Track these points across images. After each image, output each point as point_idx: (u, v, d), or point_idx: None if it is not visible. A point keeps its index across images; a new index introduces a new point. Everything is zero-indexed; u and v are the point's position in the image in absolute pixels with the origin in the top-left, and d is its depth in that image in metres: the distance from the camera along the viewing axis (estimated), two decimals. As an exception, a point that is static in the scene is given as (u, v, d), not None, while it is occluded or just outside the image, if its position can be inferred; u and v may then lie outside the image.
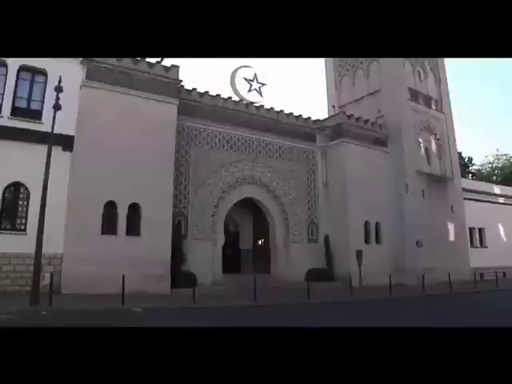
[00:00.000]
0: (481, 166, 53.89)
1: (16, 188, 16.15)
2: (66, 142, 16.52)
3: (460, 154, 43.07)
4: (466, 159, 52.08)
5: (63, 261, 16.09)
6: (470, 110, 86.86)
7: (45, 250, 13.30)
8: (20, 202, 16.18)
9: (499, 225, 33.92)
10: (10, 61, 16.28)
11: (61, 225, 15.91)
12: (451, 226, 28.76)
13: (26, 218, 15.86)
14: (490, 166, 53.10)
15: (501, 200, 35.30)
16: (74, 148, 17.01)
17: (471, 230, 31.66)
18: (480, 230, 32.62)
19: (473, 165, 53.60)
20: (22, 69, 16.75)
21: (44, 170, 13.40)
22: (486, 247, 32.30)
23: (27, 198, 16.05)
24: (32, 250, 12.97)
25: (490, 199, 33.99)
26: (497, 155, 52.65)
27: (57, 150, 14.92)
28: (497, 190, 36.20)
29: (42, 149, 14.02)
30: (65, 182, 16.30)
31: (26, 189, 16.07)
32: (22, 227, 15.84)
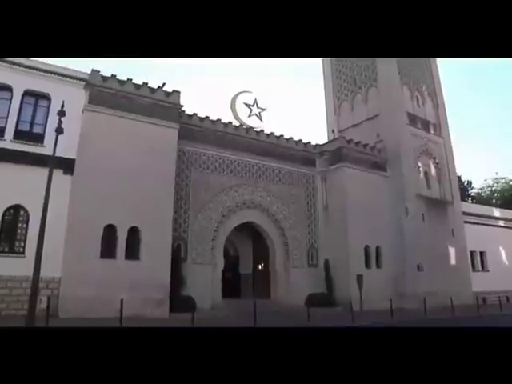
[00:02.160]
0: (480, 189, 54.08)
1: (16, 211, 16.17)
2: (67, 166, 16.66)
3: (459, 177, 43.27)
4: (466, 183, 52.34)
5: (61, 284, 15.95)
6: (469, 134, 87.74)
7: (43, 273, 13.13)
8: (19, 225, 16.18)
9: (500, 248, 33.74)
10: (15, 85, 16.72)
11: (60, 248, 15.86)
12: (452, 250, 28.62)
13: (25, 241, 15.82)
14: (489, 189, 53.30)
15: (501, 223, 35.22)
16: (75, 171, 17.11)
17: (472, 253, 31.46)
18: (481, 253, 32.42)
19: (472, 188, 53.82)
20: (26, 93, 17.14)
21: (44, 193, 13.42)
22: (488, 271, 32.04)
23: (26, 221, 16.05)
24: (30, 272, 12.82)
25: (490, 222, 33.93)
26: (496, 178, 52.93)
27: (58, 174, 14.95)
28: (497, 213, 36.16)
29: (42, 172, 14.04)
30: (65, 206, 16.33)
31: (26, 211, 16.09)
32: (21, 250, 15.78)
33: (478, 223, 32.35)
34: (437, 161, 30.08)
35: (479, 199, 50.70)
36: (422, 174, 28.91)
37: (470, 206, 35.50)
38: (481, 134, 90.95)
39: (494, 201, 50.48)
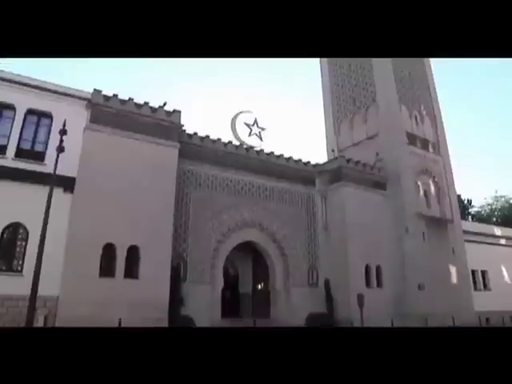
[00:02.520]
0: (480, 207, 54.18)
1: (15, 229, 16.16)
2: (68, 184, 16.73)
3: (459, 196, 43.35)
4: (466, 201, 52.45)
5: (59, 303, 15.79)
6: (468, 152, 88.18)
7: (41, 291, 13.05)
8: (18, 243, 16.15)
9: (502, 267, 33.50)
10: (18, 104, 17.04)
11: (58, 266, 15.76)
12: (453, 269, 28.38)
13: (23, 259, 15.75)
14: (489, 207, 53.40)
15: (502, 242, 35.05)
16: (75, 190, 17.16)
17: (474, 272, 31.21)
18: (483, 272, 32.19)
19: (472, 207, 53.93)
20: (29, 112, 17.44)
21: (44, 211, 13.43)
22: (490, 290, 31.75)
23: (25, 239, 16.01)
24: (27, 291, 12.73)
25: (491, 241, 33.76)
26: (495, 197, 53.08)
27: (58, 192, 15.01)
28: (497, 231, 36.02)
29: (43, 190, 14.11)
30: (64, 224, 16.32)
31: (25, 229, 16.08)
32: (19, 268, 15.71)
33: (479, 242, 32.20)
34: (436, 179, 30.13)
35: (479, 218, 50.76)
36: (421, 193, 28.89)
37: (470, 225, 35.42)
38: (480, 151, 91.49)
39: (494, 219, 50.53)
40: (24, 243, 16.05)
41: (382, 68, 30.61)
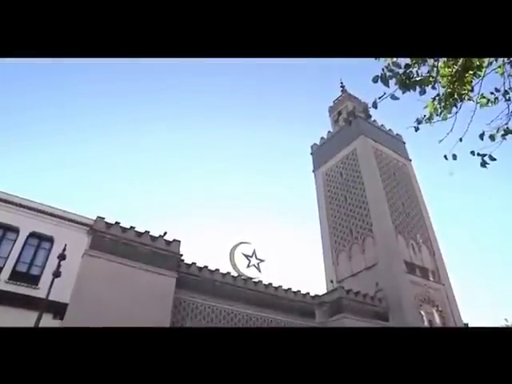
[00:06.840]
0: None
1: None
2: (58, 310, 16.20)
3: (467, 325, 41.29)
4: (475, 330, 49.69)
5: None
6: (470, 278, 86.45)
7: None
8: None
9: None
10: (22, 227, 17.46)
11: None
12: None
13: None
14: None
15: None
16: (66, 316, 16.51)
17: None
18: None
19: (483, 337, 50.65)
20: (31, 235, 17.77)
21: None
22: None
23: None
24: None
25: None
26: (506, 326, 50.34)
27: (46, 318, 14.46)
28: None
29: (30, 315, 13.55)
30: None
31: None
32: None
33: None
34: (440, 308, 29.22)
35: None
36: (426, 323, 27.76)
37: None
38: (482, 278, 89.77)
39: None
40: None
41: (377, 200, 32.08)
